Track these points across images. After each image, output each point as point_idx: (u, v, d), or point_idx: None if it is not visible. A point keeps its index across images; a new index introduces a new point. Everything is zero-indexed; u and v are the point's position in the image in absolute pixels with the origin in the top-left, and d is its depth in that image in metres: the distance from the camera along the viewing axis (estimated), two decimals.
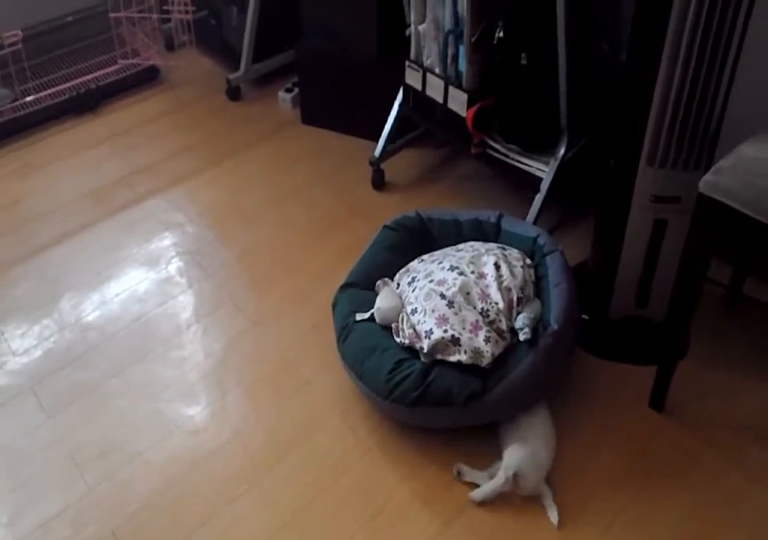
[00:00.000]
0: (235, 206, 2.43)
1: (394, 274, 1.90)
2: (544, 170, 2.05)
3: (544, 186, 2.03)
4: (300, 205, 2.41)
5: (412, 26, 2.21)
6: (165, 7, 2.95)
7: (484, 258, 1.78)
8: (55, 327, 2.06)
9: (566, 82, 1.92)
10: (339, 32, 2.54)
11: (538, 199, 2.04)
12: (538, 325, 1.69)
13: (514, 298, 1.73)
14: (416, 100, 2.32)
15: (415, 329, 1.71)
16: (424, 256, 1.89)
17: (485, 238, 1.92)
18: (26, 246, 2.32)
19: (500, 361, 1.67)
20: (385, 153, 2.45)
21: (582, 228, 2.20)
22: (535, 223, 2.04)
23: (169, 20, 3.03)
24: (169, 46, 3.16)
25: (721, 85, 1.52)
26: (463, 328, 1.67)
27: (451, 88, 2.15)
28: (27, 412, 1.85)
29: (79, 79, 2.89)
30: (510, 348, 1.69)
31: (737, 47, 1.49)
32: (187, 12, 2.90)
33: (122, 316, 2.08)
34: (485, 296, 1.71)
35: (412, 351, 1.73)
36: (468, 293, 1.72)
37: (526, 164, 2.09)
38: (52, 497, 1.68)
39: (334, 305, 1.86)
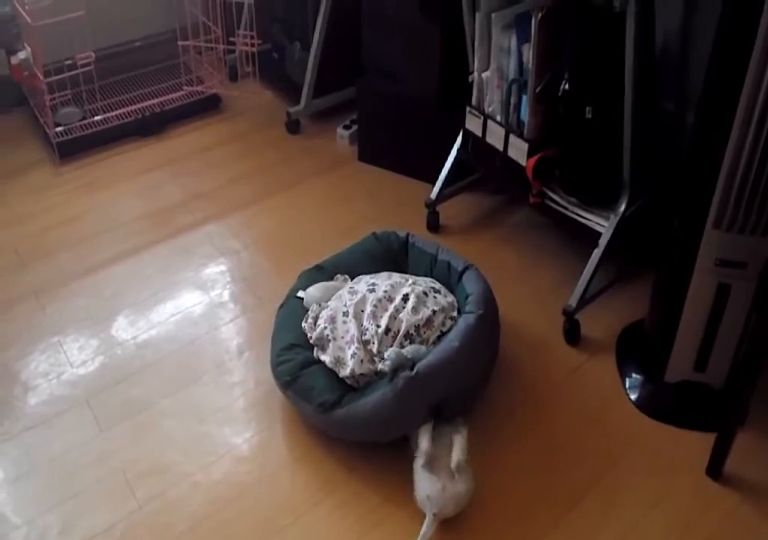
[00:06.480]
0: (290, 237, 2.47)
1: (356, 276, 2.02)
2: (603, 225, 2.05)
3: (603, 241, 2.03)
4: (353, 241, 2.42)
5: (476, 73, 2.23)
6: (231, 39, 3.04)
7: (405, 288, 1.86)
8: (112, 342, 2.09)
9: (631, 138, 1.93)
10: (400, 73, 2.58)
11: (596, 254, 2.04)
12: (406, 365, 1.71)
13: (401, 330, 1.78)
14: (475, 145, 2.34)
15: (315, 320, 1.88)
16: (384, 272, 2.00)
17: (447, 282, 1.99)
18: (85, 262, 2.37)
19: (367, 386, 1.76)
20: (442, 196, 2.47)
21: (639, 286, 2.19)
22: (591, 278, 2.04)
23: (233, 51, 3.11)
24: (233, 77, 3.25)
25: None
26: (342, 337, 1.81)
27: (511, 137, 2.17)
28: (82, 424, 1.88)
29: (145, 103, 2.96)
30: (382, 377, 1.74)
31: None
32: (252, 45, 2.98)
33: (177, 337, 2.11)
34: (375, 317, 1.80)
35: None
36: (362, 310, 1.83)
37: (586, 218, 2.09)
38: (102, 512, 1.69)
39: (299, 277, 2.07)
